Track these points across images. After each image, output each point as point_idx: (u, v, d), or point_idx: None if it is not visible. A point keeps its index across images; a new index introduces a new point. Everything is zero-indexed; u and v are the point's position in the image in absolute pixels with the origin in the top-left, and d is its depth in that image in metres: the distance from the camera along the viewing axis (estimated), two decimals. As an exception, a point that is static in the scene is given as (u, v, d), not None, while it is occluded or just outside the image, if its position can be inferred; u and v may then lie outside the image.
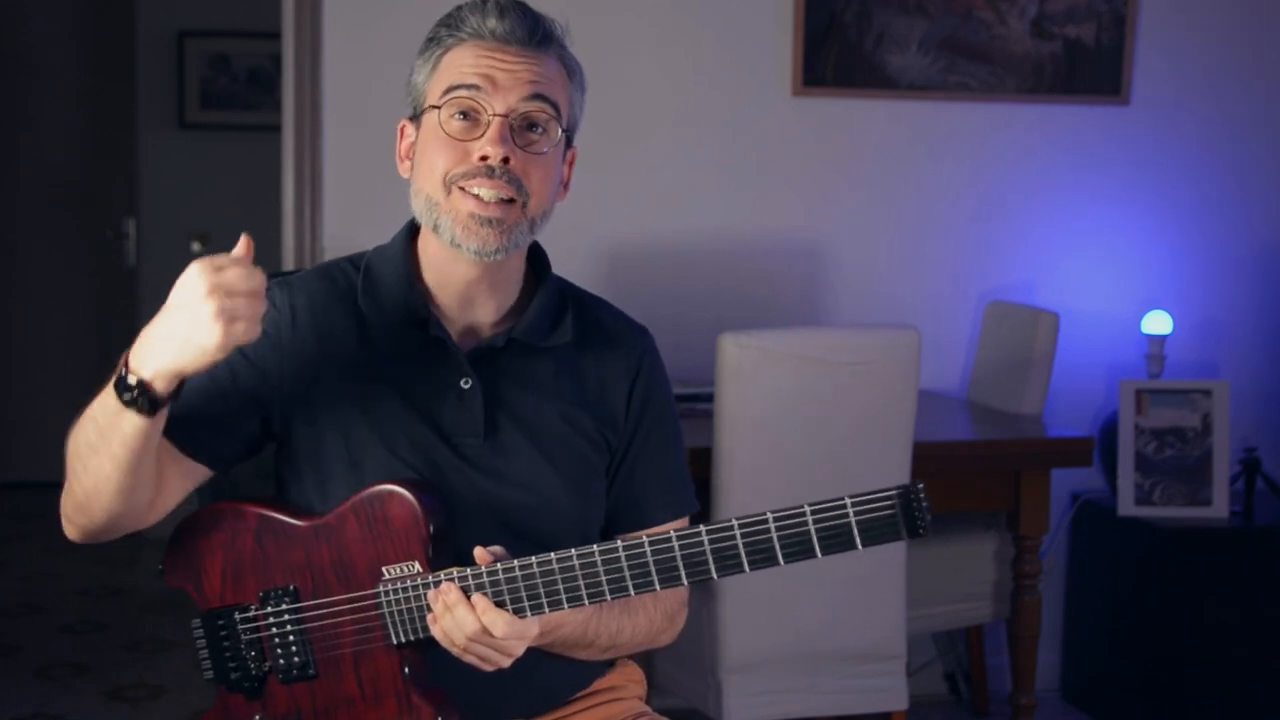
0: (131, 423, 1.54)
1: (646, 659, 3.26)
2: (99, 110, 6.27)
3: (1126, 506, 3.73)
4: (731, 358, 2.92)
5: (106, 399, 1.56)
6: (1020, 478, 3.38)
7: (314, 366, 1.72)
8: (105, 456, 1.58)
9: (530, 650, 1.67)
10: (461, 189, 1.67)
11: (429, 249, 1.76)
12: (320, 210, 3.68)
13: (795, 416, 2.96)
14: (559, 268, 1.86)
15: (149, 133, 6.09)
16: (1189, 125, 4.06)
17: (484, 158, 1.66)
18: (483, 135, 1.67)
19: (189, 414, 1.66)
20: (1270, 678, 3.66)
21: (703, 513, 2.95)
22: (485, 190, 1.66)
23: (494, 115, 1.67)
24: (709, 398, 3.11)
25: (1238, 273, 4.11)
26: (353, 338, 1.74)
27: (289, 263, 3.73)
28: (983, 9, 3.89)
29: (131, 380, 1.53)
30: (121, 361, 1.55)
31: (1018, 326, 3.73)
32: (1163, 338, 3.88)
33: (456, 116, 1.68)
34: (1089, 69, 3.96)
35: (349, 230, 3.65)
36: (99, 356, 6.36)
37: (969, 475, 3.38)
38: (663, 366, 1.88)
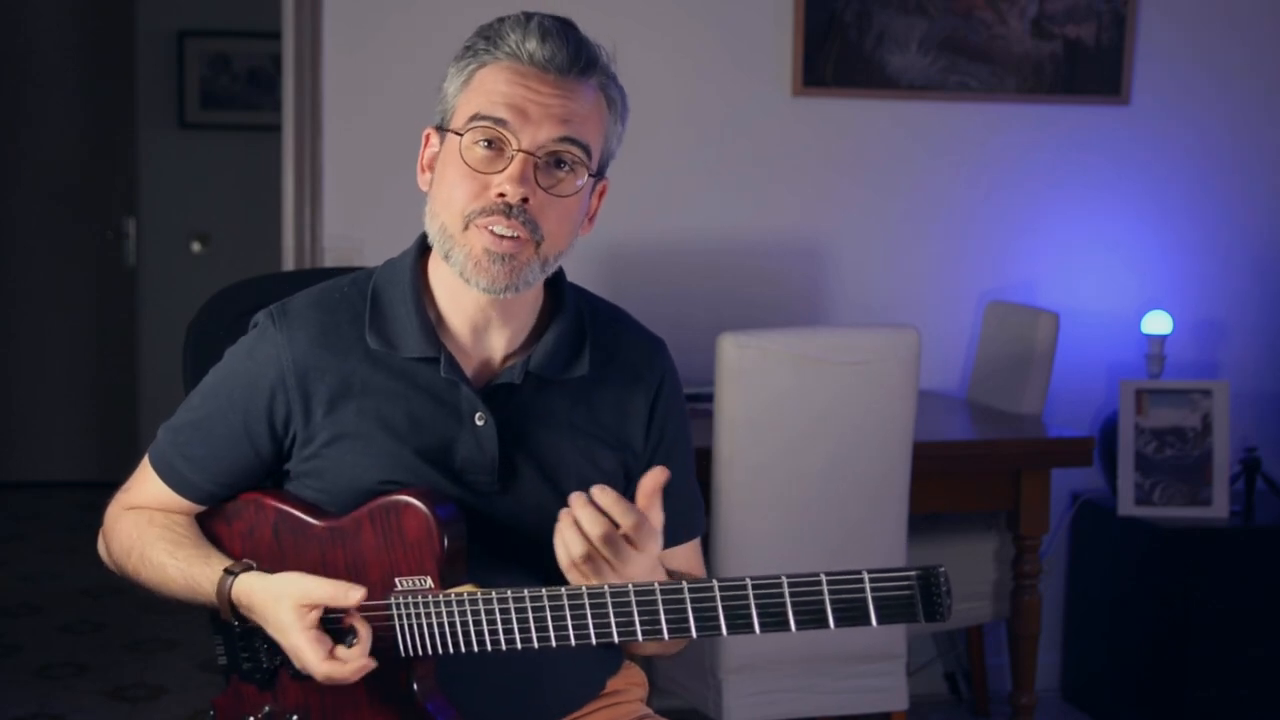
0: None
1: (647, 660, 3.26)
2: (99, 110, 6.27)
3: (1126, 506, 3.73)
4: (731, 358, 2.92)
5: (198, 585, 1.67)
6: (1020, 478, 3.39)
7: (319, 406, 1.67)
8: (173, 600, 1.75)
9: (540, 662, 1.66)
10: (478, 226, 1.60)
11: (442, 274, 1.69)
12: (320, 210, 3.68)
13: (795, 416, 2.96)
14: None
15: (149, 132, 6.10)
16: (1189, 125, 4.06)
17: (501, 195, 1.59)
18: (504, 170, 1.60)
19: (211, 489, 1.74)
20: (1270, 678, 3.66)
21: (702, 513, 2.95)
22: (501, 227, 1.60)
23: (518, 151, 1.59)
24: (709, 398, 3.11)
25: (1238, 273, 4.11)
26: (359, 375, 1.67)
27: (289, 263, 3.73)
28: (983, 9, 3.89)
29: (237, 626, 1.67)
30: (228, 597, 1.65)
31: (1018, 326, 3.72)
32: (1163, 338, 3.88)
33: (480, 145, 1.60)
34: (1089, 69, 3.96)
35: (349, 230, 3.65)
36: (99, 356, 6.37)
37: (969, 475, 3.39)
38: (679, 381, 1.82)
